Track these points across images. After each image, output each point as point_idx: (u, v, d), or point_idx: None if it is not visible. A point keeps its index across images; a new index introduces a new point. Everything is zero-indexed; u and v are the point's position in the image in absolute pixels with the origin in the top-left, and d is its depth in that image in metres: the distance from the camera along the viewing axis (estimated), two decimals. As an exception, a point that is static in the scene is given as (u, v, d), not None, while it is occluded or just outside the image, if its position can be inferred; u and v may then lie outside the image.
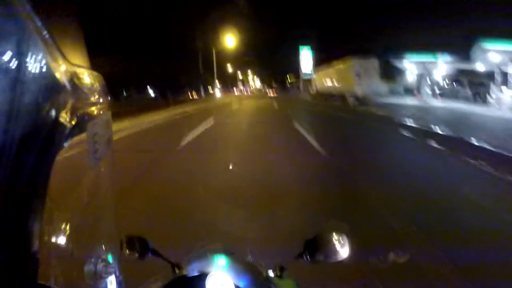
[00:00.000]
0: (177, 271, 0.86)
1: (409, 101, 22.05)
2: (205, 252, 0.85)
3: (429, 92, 22.58)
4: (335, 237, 0.91)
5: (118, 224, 0.56)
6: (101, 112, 0.46)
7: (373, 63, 21.31)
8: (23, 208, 0.28)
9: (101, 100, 0.46)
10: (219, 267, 0.76)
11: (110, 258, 0.49)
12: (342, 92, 22.86)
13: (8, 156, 0.27)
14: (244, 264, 0.82)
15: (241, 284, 0.71)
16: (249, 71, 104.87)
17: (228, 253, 0.86)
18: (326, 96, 27.96)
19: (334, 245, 0.90)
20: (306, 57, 58.77)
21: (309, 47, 58.71)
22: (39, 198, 0.30)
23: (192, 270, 0.77)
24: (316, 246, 0.91)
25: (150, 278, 0.82)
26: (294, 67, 66.35)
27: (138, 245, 0.93)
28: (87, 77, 0.42)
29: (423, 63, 22.81)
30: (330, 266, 0.96)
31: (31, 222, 0.29)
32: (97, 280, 0.45)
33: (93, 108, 0.43)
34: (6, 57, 0.28)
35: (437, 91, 22.05)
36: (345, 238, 0.91)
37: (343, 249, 0.89)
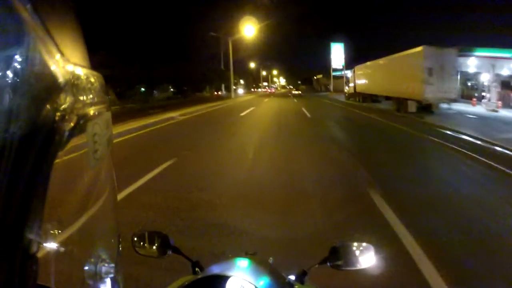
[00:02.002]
0: (197, 269, 0.89)
1: (470, 107, 16.77)
2: (227, 253, 0.87)
3: (494, 96, 17.26)
4: (359, 245, 0.93)
5: (119, 224, 0.56)
6: (101, 112, 0.45)
7: (452, 55, 14.60)
8: (23, 208, 0.28)
9: (101, 100, 0.46)
10: (240, 269, 0.75)
11: (110, 258, 0.49)
12: (398, 93, 16.35)
13: (8, 156, 0.27)
14: (265, 267, 0.80)
15: (261, 287, 0.70)
16: (274, 69, 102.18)
17: (250, 255, 0.86)
18: (366, 97, 23.06)
19: (358, 253, 0.92)
20: (337, 54, 53.36)
21: (342, 43, 53.25)
22: (39, 198, 0.30)
23: (213, 271, 0.76)
24: (340, 253, 0.92)
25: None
26: (323, 65, 62.07)
27: (159, 241, 0.94)
28: (87, 77, 0.42)
29: (489, 59, 17.57)
30: (353, 275, 0.93)
31: (31, 222, 0.29)
32: (97, 280, 0.45)
33: (93, 108, 0.42)
34: (6, 57, 0.28)
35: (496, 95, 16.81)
36: (369, 247, 0.92)
37: (366, 258, 0.91)
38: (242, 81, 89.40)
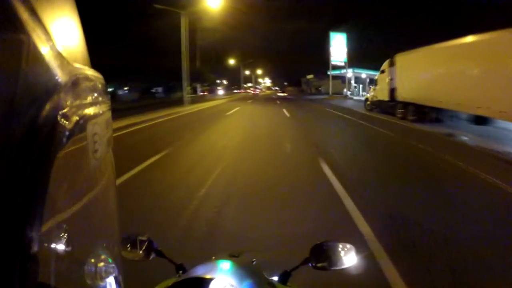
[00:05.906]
0: (180, 272, 0.89)
1: None
2: (210, 256, 0.84)
3: None
4: (340, 245, 0.92)
5: (119, 224, 0.56)
6: (101, 112, 0.45)
7: None
8: (23, 207, 0.28)
9: (101, 100, 0.45)
10: (223, 271, 0.75)
11: (110, 258, 0.48)
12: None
13: (8, 156, 0.27)
14: (248, 269, 0.80)
15: None
16: (258, 69, 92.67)
17: (233, 257, 0.86)
18: (424, 112, 12.15)
19: (339, 253, 0.91)
20: (338, 46, 42.00)
21: (344, 34, 41.94)
22: (39, 198, 0.30)
23: (195, 273, 0.76)
24: (322, 253, 0.92)
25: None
26: (315, 64, 51.57)
27: (144, 245, 0.93)
28: (87, 76, 0.42)
29: None
30: (335, 275, 0.95)
31: (31, 222, 0.29)
32: (97, 280, 0.45)
33: (93, 108, 0.42)
34: (6, 57, 0.28)
35: None
36: (350, 247, 0.92)
37: (348, 258, 0.90)
38: (224, 81, 78.46)
